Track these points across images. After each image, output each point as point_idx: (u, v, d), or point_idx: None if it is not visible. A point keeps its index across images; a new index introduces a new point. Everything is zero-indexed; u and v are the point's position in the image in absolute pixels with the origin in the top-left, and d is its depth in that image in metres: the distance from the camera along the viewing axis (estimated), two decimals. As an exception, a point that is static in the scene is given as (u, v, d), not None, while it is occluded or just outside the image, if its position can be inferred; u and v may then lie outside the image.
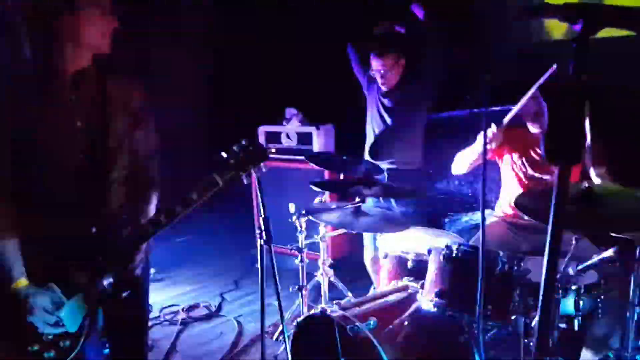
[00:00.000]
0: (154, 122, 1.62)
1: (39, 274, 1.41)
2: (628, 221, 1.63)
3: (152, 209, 1.60)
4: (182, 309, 3.25)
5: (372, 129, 3.01)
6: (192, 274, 3.90)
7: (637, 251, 1.79)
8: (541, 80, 2.06)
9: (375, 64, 2.83)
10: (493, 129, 2.34)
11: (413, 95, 2.87)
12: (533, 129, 2.44)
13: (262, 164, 1.50)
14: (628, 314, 1.91)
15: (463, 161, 2.52)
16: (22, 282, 1.40)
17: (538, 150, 2.46)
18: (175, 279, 3.79)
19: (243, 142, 1.49)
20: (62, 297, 1.41)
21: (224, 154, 1.48)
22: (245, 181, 1.51)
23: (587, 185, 1.64)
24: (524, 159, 2.48)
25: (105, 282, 1.43)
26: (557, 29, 3.57)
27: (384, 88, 2.90)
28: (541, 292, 0.91)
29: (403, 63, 2.87)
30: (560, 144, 0.84)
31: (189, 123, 4.39)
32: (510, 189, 2.53)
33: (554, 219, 0.89)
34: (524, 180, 2.49)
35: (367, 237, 3.01)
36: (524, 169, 2.49)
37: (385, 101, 2.93)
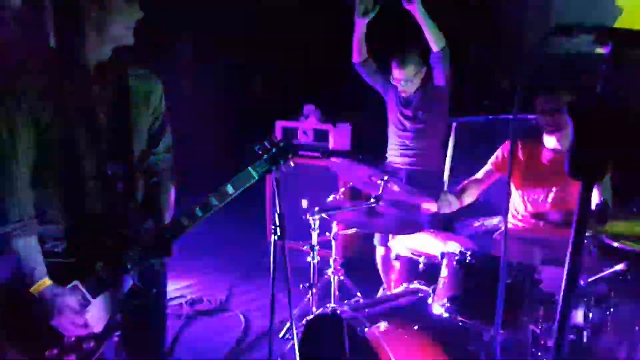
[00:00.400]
0: (169, 116, 1.63)
1: (63, 273, 1.38)
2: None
3: (172, 202, 1.61)
4: (186, 302, 3.24)
5: (393, 132, 3.05)
6: (201, 265, 3.89)
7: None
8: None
9: (397, 73, 2.85)
10: (446, 195, 2.45)
11: (431, 102, 2.90)
12: (549, 143, 2.41)
13: (290, 159, 1.57)
14: (637, 327, 1.90)
15: (470, 195, 2.56)
16: (46, 282, 1.35)
17: (539, 169, 2.44)
18: (184, 270, 3.76)
19: (273, 137, 1.56)
20: (89, 296, 1.39)
21: (257, 149, 1.55)
22: (276, 175, 1.57)
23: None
24: (526, 179, 2.47)
25: (135, 279, 1.42)
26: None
27: (403, 95, 2.93)
28: (560, 304, 0.91)
29: (424, 71, 2.88)
30: (585, 161, 0.83)
31: (208, 116, 4.41)
32: (516, 203, 2.53)
33: (576, 234, 0.89)
34: (526, 197, 2.49)
35: (377, 236, 3.01)
36: (525, 186, 2.48)
37: (405, 111, 2.96)
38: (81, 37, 1.38)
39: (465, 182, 2.60)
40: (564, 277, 0.91)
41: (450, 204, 2.46)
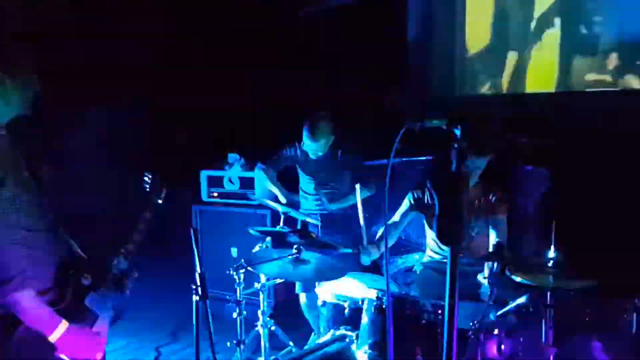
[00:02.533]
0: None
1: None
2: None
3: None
4: (111, 370, 3.07)
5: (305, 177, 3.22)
6: (126, 328, 3.57)
7: (547, 297, 1.95)
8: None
9: (309, 144, 2.98)
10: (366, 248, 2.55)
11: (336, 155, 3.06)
12: None
13: (163, 189, 1.89)
14: (545, 352, 2.05)
15: (390, 239, 2.71)
16: (65, 324, 1.48)
17: None
18: (108, 334, 3.53)
19: (149, 175, 1.88)
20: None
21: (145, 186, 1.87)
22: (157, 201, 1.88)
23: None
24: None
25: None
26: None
27: (314, 157, 3.07)
28: (445, 339, 1.00)
29: (332, 138, 3.02)
30: (448, 228, 0.94)
31: (128, 166, 4.30)
32: (430, 237, 2.71)
33: (450, 287, 0.99)
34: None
35: (297, 284, 3.07)
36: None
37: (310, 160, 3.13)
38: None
39: (384, 227, 2.73)
40: (445, 317, 1.00)
41: (371, 254, 2.56)
